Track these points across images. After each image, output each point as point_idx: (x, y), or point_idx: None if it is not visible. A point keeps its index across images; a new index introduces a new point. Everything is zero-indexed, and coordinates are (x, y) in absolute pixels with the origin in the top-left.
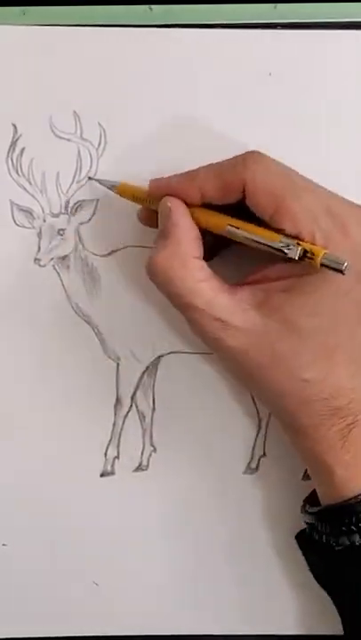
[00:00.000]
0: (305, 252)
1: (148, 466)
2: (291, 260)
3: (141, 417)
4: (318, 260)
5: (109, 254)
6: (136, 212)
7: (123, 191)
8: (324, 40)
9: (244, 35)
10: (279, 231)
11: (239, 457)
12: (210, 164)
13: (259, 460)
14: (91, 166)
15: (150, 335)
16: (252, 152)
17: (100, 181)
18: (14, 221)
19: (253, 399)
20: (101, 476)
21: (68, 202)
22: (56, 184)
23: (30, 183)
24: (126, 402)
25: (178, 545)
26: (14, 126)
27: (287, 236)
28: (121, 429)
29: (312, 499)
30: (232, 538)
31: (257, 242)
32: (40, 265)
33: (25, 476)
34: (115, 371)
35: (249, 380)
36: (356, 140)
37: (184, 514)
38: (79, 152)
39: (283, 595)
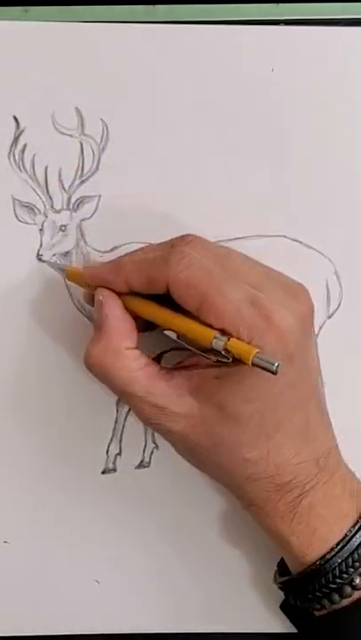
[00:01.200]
0: (234, 357)
1: (150, 463)
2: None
3: None
4: (249, 360)
5: (111, 250)
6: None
7: (70, 276)
8: (327, 36)
9: (246, 30)
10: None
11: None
12: (136, 256)
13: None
14: (93, 162)
15: (152, 332)
16: (177, 245)
17: (50, 264)
18: (16, 217)
19: None
20: (103, 473)
21: (70, 198)
22: (58, 180)
23: (32, 179)
24: None
25: (180, 542)
26: (17, 122)
27: (213, 329)
28: (123, 426)
29: (284, 566)
30: (234, 535)
31: (189, 346)
32: (42, 261)
33: (26, 474)
34: None
35: (194, 460)
36: (356, 137)
37: (186, 511)
38: (82, 148)
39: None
